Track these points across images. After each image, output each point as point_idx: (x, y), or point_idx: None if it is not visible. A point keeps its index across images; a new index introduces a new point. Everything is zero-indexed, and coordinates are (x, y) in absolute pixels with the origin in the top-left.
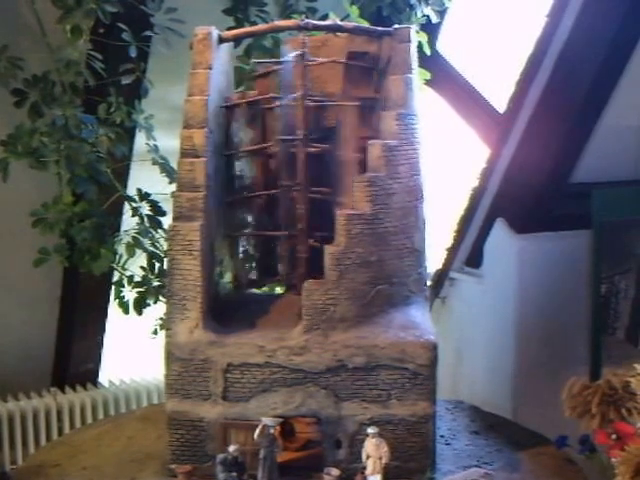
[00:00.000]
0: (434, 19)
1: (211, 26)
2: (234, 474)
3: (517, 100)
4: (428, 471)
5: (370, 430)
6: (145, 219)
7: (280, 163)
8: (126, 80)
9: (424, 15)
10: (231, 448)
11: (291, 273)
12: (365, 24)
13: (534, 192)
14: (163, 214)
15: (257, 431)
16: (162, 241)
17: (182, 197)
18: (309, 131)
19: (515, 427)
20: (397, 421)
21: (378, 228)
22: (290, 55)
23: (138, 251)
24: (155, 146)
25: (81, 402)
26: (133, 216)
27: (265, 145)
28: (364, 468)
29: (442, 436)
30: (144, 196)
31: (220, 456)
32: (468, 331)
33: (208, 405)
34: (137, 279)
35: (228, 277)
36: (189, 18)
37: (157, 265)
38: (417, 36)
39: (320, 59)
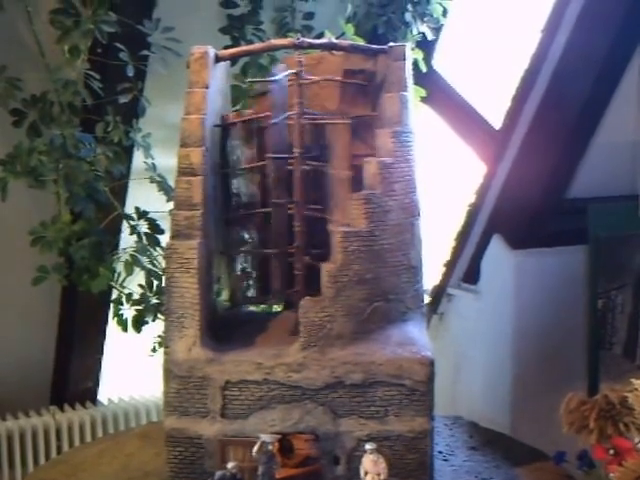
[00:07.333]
0: (429, 36)
1: (208, 45)
2: None
3: (513, 116)
4: None
5: (368, 446)
6: (143, 237)
7: (274, 181)
8: (123, 99)
9: (419, 32)
10: (229, 465)
11: (286, 290)
12: (361, 42)
13: (530, 208)
14: (161, 232)
15: (255, 448)
16: (160, 259)
17: (179, 215)
18: (305, 149)
19: (513, 443)
20: (395, 437)
21: (374, 245)
22: (282, 73)
23: (136, 269)
24: (153, 164)
25: (80, 420)
26: (131, 234)
27: (261, 163)
28: None
29: (440, 452)
30: (142, 214)
31: (218, 473)
32: (466, 347)
33: (206, 422)
34: (135, 297)
35: (226, 295)
36: (186, 37)
37: (155, 283)
38: (413, 53)
39: (315, 77)
